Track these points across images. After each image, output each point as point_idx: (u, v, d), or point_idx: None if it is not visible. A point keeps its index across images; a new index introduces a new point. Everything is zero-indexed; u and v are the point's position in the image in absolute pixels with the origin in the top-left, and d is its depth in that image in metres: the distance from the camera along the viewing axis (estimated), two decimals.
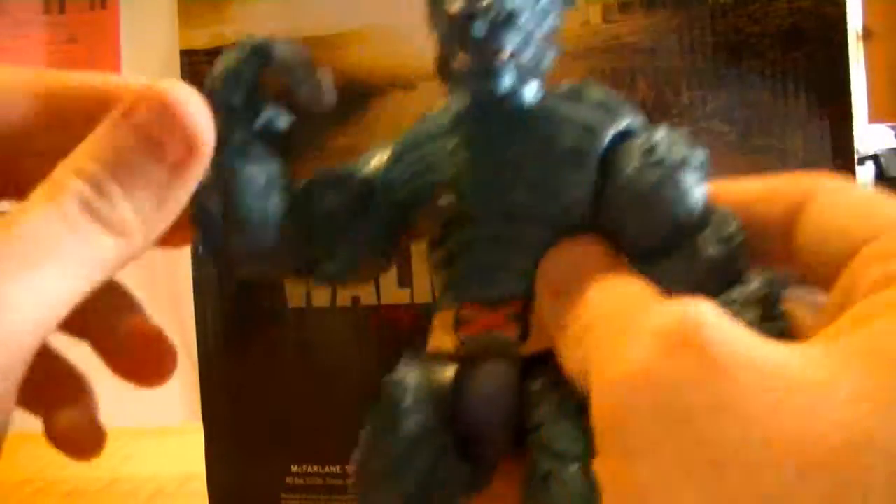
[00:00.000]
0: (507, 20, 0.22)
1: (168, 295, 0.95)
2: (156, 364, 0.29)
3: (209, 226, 0.23)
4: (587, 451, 0.20)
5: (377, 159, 0.26)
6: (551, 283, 0.22)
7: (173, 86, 0.21)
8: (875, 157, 2.11)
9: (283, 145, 0.24)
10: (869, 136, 2.12)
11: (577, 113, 0.23)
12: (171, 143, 0.21)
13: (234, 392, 0.49)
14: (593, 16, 0.46)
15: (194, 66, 0.57)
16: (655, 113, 0.44)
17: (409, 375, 0.24)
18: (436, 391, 0.23)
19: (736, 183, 0.24)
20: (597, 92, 0.24)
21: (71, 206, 0.20)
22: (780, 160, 0.42)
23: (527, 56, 0.23)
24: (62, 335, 0.26)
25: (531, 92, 0.24)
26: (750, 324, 0.18)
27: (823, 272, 0.21)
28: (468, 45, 0.22)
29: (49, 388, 0.28)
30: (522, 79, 0.23)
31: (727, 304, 0.20)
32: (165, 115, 0.21)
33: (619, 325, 0.19)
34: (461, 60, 0.22)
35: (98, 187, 0.20)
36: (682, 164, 0.23)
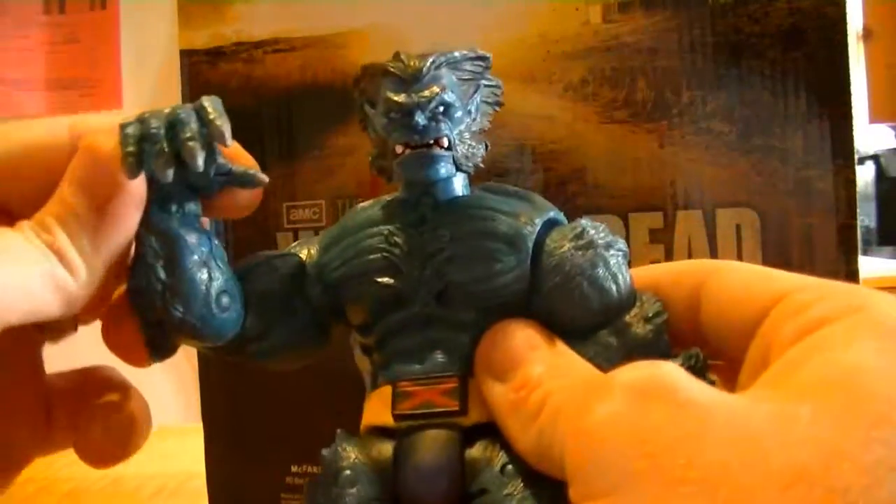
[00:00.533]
0: (445, 112, 0.24)
1: None
2: (122, 449, 0.31)
3: (149, 292, 0.23)
4: None
5: (307, 249, 0.27)
6: (492, 367, 0.23)
7: (94, 137, 0.23)
8: (875, 157, 2.12)
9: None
10: (869, 136, 2.12)
11: (507, 204, 0.25)
12: (101, 191, 0.23)
13: (233, 392, 0.49)
14: (593, 16, 0.46)
15: (194, 66, 0.57)
16: (655, 113, 0.44)
17: (347, 450, 0.24)
18: (375, 465, 0.23)
19: (643, 269, 0.26)
20: (519, 189, 0.26)
21: (27, 231, 0.22)
22: (780, 160, 0.42)
23: (460, 148, 0.24)
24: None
25: (461, 183, 0.25)
26: None
27: (732, 345, 0.23)
28: (410, 133, 0.24)
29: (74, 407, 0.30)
30: (456, 169, 0.25)
31: None
32: (93, 166, 0.23)
33: (583, 391, 0.20)
34: (401, 149, 0.24)
35: (46, 228, 0.23)
36: (610, 245, 0.24)
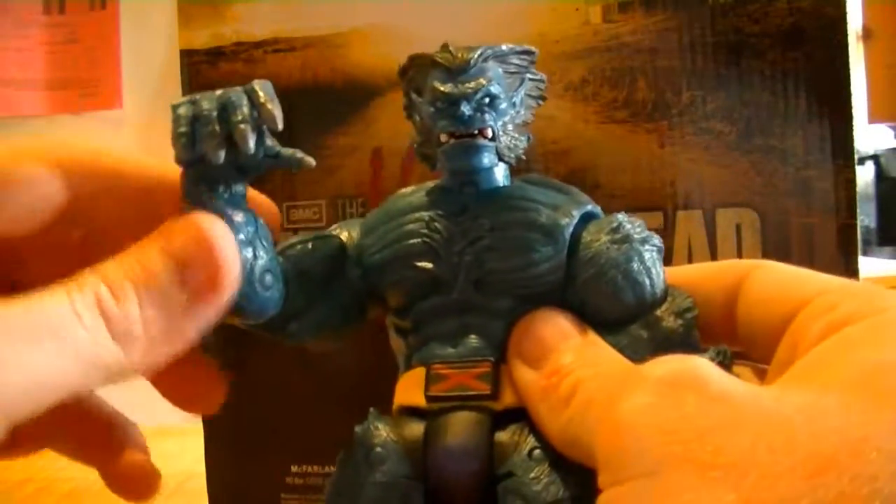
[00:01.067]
0: (490, 104, 0.25)
1: None
2: (142, 491, 0.31)
3: None
4: (560, 497, 0.22)
5: (348, 231, 0.27)
6: (525, 353, 0.24)
7: (212, 222, 0.22)
8: (875, 157, 2.11)
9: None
10: (869, 136, 2.12)
11: (546, 195, 0.26)
12: (197, 276, 0.21)
13: (233, 392, 0.49)
14: (593, 16, 0.46)
15: (194, 66, 0.57)
16: (655, 113, 0.44)
17: (379, 428, 0.25)
18: (406, 444, 0.24)
19: (680, 268, 0.27)
20: (558, 182, 0.27)
21: (84, 298, 0.20)
22: (780, 160, 0.42)
23: (504, 139, 0.25)
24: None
25: (502, 174, 0.26)
26: None
27: (762, 342, 0.23)
28: (455, 123, 0.24)
29: (96, 439, 0.30)
30: (499, 159, 0.26)
31: None
32: (199, 249, 0.22)
33: (616, 381, 0.21)
34: (446, 138, 0.25)
35: (115, 291, 0.20)
36: (645, 241, 0.25)
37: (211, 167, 0.23)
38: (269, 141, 0.23)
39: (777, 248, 0.42)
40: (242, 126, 0.22)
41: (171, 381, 0.29)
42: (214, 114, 0.22)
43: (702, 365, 0.19)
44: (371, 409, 0.26)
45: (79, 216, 0.25)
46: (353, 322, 0.27)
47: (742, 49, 0.43)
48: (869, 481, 0.15)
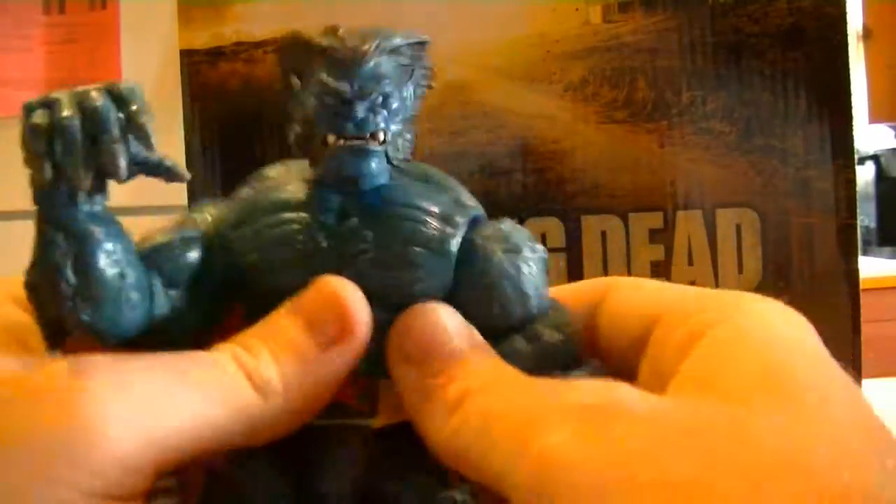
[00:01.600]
0: (383, 103, 0.22)
1: None
2: None
3: (55, 294, 0.21)
4: None
5: (206, 215, 0.24)
6: (406, 350, 0.22)
7: (341, 282, 0.22)
8: (875, 157, 2.12)
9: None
10: (869, 136, 2.12)
11: (430, 199, 0.24)
12: (328, 326, 0.22)
13: None
14: (593, 16, 0.46)
15: (194, 66, 0.57)
16: (655, 113, 0.44)
17: (254, 452, 0.23)
18: (284, 462, 0.23)
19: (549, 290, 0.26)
20: (436, 173, 0.25)
21: (222, 356, 0.21)
22: (780, 160, 0.42)
23: (393, 142, 0.23)
24: None
25: (385, 175, 0.24)
26: None
27: (622, 356, 0.23)
28: (346, 126, 0.22)
29: None
30: (387, 161, 0.23)
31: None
32: (328, 302, 0.22)
33: (522, 409, 0.19)
34: (333, 138, 0.22)
35: (249, 349, 0.22)
36: (534, 251, 0.24)
37: (69, 181, 0.20)
38: (134, 147, 0.21)
39: (777, 248, 0.42)
40: (114, 147, 0.20)
41: None
42: (76, 125, 0.20)
43: (620, 387, 0.19)
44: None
45: None
46: (213, 324, 0.24)
47: (742, 49, 0.43)
48: (816, 477, 0.16)
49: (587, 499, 0.17)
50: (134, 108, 0.20)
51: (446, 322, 0.22)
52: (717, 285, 0.45)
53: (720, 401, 0.18)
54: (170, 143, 0.60)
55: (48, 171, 0.19)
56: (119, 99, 0.20)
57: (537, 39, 0.47)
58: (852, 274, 0.41)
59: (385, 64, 0.23)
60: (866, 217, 1.97)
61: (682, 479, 0.16)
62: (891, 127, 2.00)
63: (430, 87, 0.25)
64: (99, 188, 0.21)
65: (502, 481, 0.19)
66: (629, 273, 0.44)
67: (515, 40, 0.48)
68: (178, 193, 0.59)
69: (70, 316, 0.21)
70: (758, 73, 0.43)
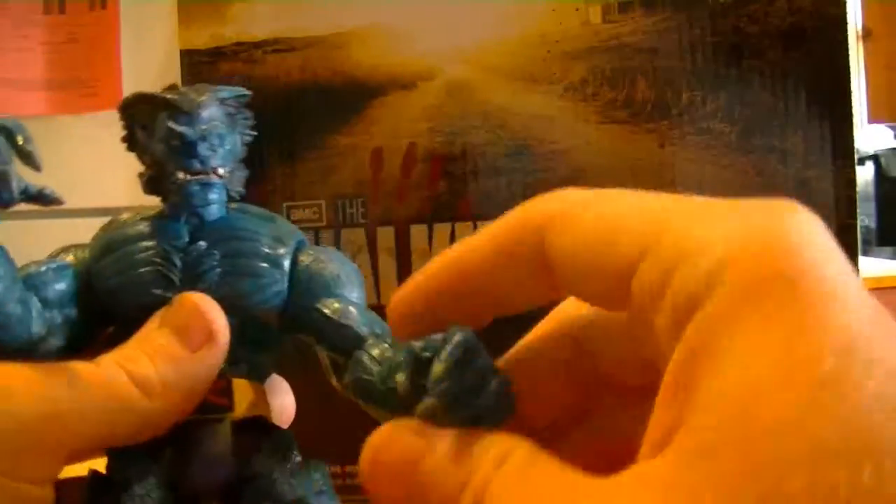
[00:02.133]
0: (220, 143, 0.27)
1: None
2: None
3: None
4: (302, 495, 0.26)
5: (75, 255, 0.28)
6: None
7: (200, 296, 0.26)
8: (875, 157, 2.12)
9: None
10: (869, 136, 2.12)
11: (262, 226, 0.28)
12: (195, 332, 0.26)
13: None
14: (593, 16, 0.46)
15: (194, 66, 0.57)
16: (655, 113, 0.44)
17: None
18: (157, 458, 0.26)
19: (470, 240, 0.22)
20: (261, 210, 0.30)
21: (106, 362, 0.25)
22: (780, 160, 0.42)
23: (229, 176, 0.28)
24: None
25: (219, 207, 0.28)
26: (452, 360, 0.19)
27: (586, 288, 0.19)
28: (192, 163, 0.27)
29: None
30: (224, 193, 0.28)
31: (431, 346, 0.21)
32: (192, 313, 0.26)
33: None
34: (182, 175, 0.27)
35: (128, 356, 0.25)
36: (346, 268, 0.29)
37: None
38: (18, 180, 0.23)
39: None
40: (4, 168, 0.22)
41: None
42: None
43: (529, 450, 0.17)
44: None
45: None
46: (79, 347, 0.28)
47: (742, 49, 0.43)
48: None
49: None
50: (19, 137, 0.23)
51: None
52: None
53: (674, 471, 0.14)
54: None
55: None
56: (7, 132, 0.23)
57: (537, 39, 0.47)
58: None
59: (216, 111, 0.28)
60: (866, 217, 1.97)
61: None
62: (891, 127, 2.00)
63: (252, 136, 0.30)
64: None
65: None
66: None
67: (515, 40, 0.48)
68: None
69: None
70: (758, 73, 0.43)
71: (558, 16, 0.46)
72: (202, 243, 0.27)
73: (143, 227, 0.28)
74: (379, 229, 0.52)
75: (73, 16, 0.80)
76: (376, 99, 0.51)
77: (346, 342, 0.27)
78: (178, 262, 0.27)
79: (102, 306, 0.28)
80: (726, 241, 0.15)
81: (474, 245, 0.21)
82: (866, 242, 1.97)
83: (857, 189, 0.42)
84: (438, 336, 0.20)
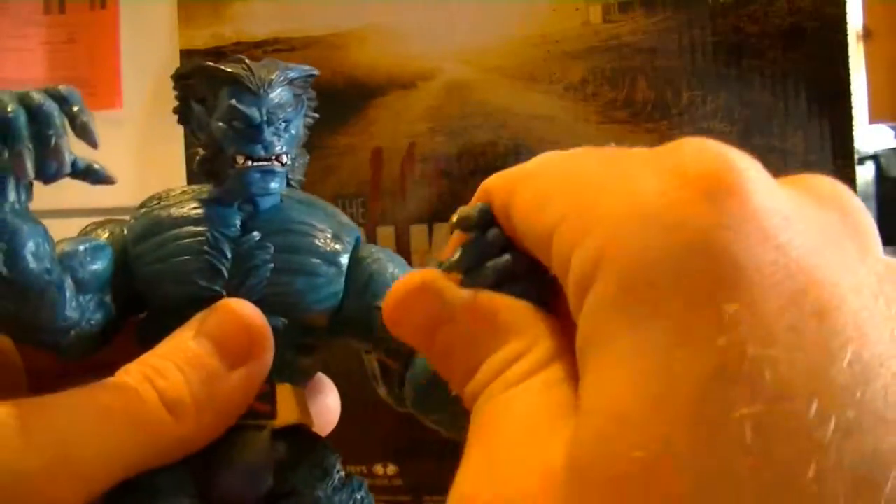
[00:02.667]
0: (286, 128, 0.25)
1: None
2: None
3: None
4: None
5: (111, 232, 0.26)
6: (412, 341, 0.20)
7: (243, 304, 0.23)
8: (875, 157, 2.11)
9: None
10: (869, 136, 2.12)
11: (319, 219, 0.26)
12: (235, 348, 0.23)
13: None
14: (593, 16, 0.46)
15: None
16: (655, 113, 0.44)
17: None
18: (190, 463, 0.23)
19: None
20: (320, 201, 0.27)
21: (136, 380, 0.22)
22: (780, 160, 0.42)
23: (291, 164, 0.26)
24: None
25: (278, 196, 0.26)
26: None
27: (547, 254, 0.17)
28: (256, 148, 0.24)
29: None
30: (286, 182, 0.26)
31: None
32: (234, 325, 0.23)
33: None
34: (242, 160, 0.24)
35: (160, 371, 0.22)
36: (403, 270, 0.26)
37: (2, 177, 0.21)
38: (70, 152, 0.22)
39: None
40: (59, 141, 0.21)
41: None
42: (22, 120, 0.21)
43: None
44: None
45: None
46: (115, 333, 0.26)
47: (742, 49, 0.43)
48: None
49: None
50: (76, 107, 0.21)
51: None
52: None
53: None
54: (170, 142, 0.60)
55: None
56: (60, 99, 0.21)
57: (537, 39, 0.47)
58: None
59: (286, 93, 0.25)
60: None
61: None
62: (891, 127, 2.00)
63: (315, 116, 0.27)
64: (24, 186, 0.22)
65: None
66: None
67: (515, 40, 0.48)
68: None
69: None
70: (758, 73, 0.43)
71: (558, 16, 0.46)
72: (256, 234, 0.25)
73: (191, 209, 0.25)
74: (379, 229, 0.52)
75: (73, 16, 0.80)
76: (376, 99, 0.51)
77: (403, 346, 0.24)
78: (229, 253, 0.24)
79: (138, 292, 0.25)
80: (611, 217, 0.14)
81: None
82: None
83: (858, 189, 0.42)
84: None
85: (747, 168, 0.14)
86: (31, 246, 0.22)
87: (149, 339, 0.24)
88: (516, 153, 0.47)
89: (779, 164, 0.42)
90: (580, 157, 0.18)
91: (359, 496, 0.25)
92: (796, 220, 0.13)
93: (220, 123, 0.24)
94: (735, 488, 0.12)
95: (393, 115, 0.50)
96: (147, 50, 0.62)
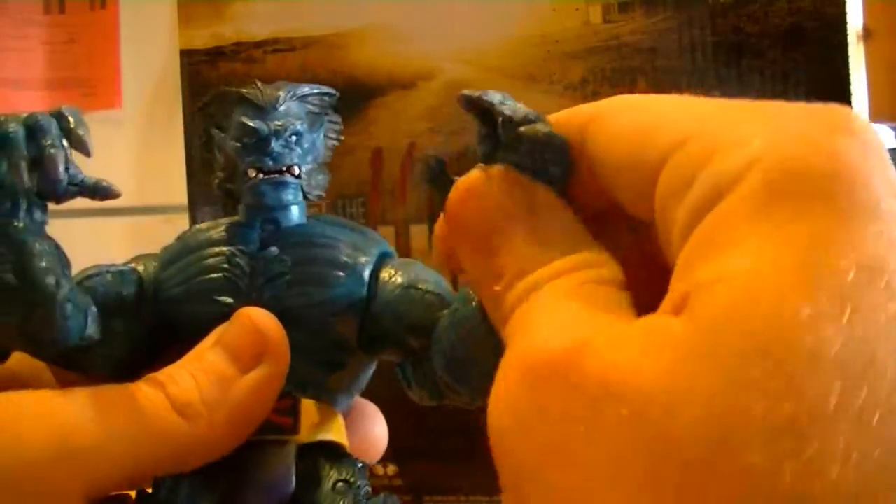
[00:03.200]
0: (297, 142, 0.25)
1: None
2: None
3: None
4: None
5: (145, 265, 0.27)
6: (470, 236, 0.19)
7: (258, 311, 0.24)
8: None
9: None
10: None
11: (344, 234, 0.26)
12: (247, 351, 0.23)
13: None
14: (593, 16, 0.46)
15: (194, 66, 0.57)
16: None
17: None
18: (209, 477, 0.23)
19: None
20: (352, 221, 0.27)
21: (146, 385, 0.22)
22: None
23: (307, 177, 0.26)
24: None
25: (299, 211, 0.26)
26: None
27: (620, 186, 0.18)
28: (265, 160, 0.25)
29: None
30: (301, 195, 0.26)
31: None
32: (247, 330, 0.23)
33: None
34: (254, 173, 0.25)
35: (172, 376, 0.23)
36: (428, 282, 0.26)
37: (13, 193, 0.22)
38: (73, 169, 0.23)
39: None
40: (52, 151, 0.22)
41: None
42: (21, 134, 0.22)
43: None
44: None
45: None
46: (143, 361, 0.26)
47: (742, 49, 0.43)
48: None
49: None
50: (71, 120, 0.22)
51: (502, 199, 0.19)
52: None
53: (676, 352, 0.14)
54: (170, 142, 0.60)
55: None
56: (59, 116, 0.22)
57: (537, 39, 0.47)
58: None
59: (295, 107, 0.26)
60: None
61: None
62: (891, 127, 2.00)
63: (340, 140, 0.28)
64: (37, 204, 0.23)
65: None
66: None
67: (515, 40, 0.48)
68: (178, 193, 0.59)
69: (6, 316, 0.22)
70: (758, 73, 0.43)
71: (558, 16, 0.46)
72: (273, 249, 0.25)
73: (215, 233, 0.26)
74: (379, 229, 0.52)
75: (73, 16, 0.80)
76: (376, 99, 0.51)
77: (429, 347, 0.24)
78: (247, 268, 0.25)
79: (168, 319, 0.26)
80: (763, 137, 0.14)
81: None
82: None
83: None
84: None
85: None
86: (40, 260, 0.23)
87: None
88: None
89: None
90: (672, 97, 0.18)
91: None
92: None
93: (233, 141, 0.25)
94: (880, 373, 0.12)
95: (393, 115, 0.50)
96: (147, 50, 0.62)
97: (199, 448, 0.22)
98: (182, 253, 0.26)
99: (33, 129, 0.22)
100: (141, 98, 0.61)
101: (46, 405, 0.21)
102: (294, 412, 0.24)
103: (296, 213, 0.26)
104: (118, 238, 0.59)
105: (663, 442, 0.13)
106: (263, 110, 0.25)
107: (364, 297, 0.25)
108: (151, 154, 0.56)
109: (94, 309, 0.24)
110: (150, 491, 0.23)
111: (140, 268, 0.26)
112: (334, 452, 0.25)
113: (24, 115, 0.22)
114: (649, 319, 0.15)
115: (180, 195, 0.58)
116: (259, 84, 0.26)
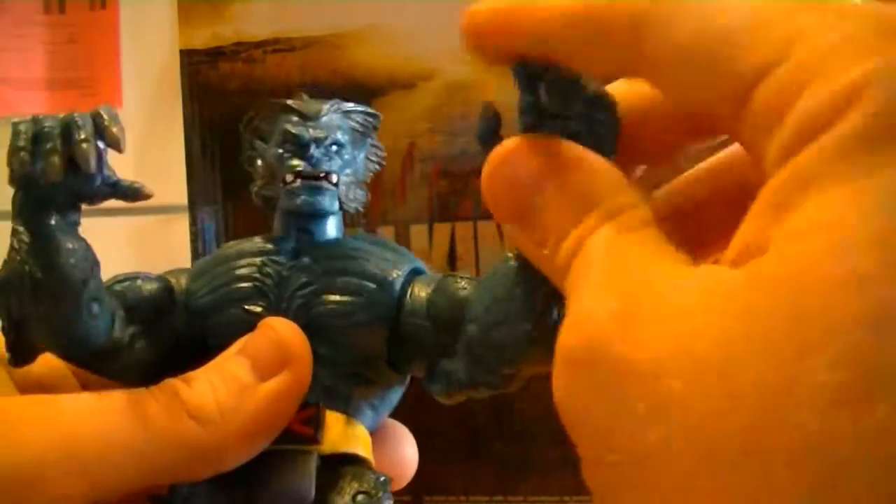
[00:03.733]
0: (337, 151, 0.26)
1: None
2: None
3: (19, 285, 0.23)
4: None
5: (176, 278, 0.27)
6: (507, 207, 0.18)
7: (281, 321, 0.23)
8: None
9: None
10: None
11: (377, 248, 0.26)
12: (267, 359, 0.23)
13: None
14: None
15: (194, 66, 0.57)
16: None
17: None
18: (229, 486, 0.23)
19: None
20: (389, 241, 0.28)
21: (160, 389, 0.22)
22: None
23: (345, 187, 0.26)
24: None
25: (335, 226, 0.26)
26: None
27: (692, 102, 0.16)
28: (304, 164, 0.25)
29: None
30: (338, 205, 0.26)
31: None
32: (269, 338, 0.23)
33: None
34: (291, 178, 0.25)
35: (188, 381, 0.22)
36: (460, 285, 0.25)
37: (47, 189, 0.22)
38: (107, 170, 0.23)
39: None
40: (85, 146, 0.22)
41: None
42: (57, 131, 0.22)
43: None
44: None
45: None
46: (170, 368, 0.26)
47: None
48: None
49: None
50: (107, 118, 0.23)
51: (542, 168, 0.18)
52: None
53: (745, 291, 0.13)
54: (170, 142, 0.60)
55: (25, 163, 0.22)
56: (96, 115, 0.23)
57: None
58: None
59: (338, 119, 0.26)
60: None
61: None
62: None
63: (381, 164, 0.28)
64: (70, 204, 0.23)
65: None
66: None
67: None
68: (178, 193, 0.59)
69: (31, 307, 0.23)
70: None
71: None
72: (305, 259, 0.25)
73: (249, 245, 0.26)
74: (379, 229, 0.52)
75: (73, 16, 0.80)
76: (376, 99, 0.51)
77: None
78: (277, 278, 0.25)
79: (198, 329, 0.26)
80: (873, 57, 0.12)
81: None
82: None
83: None
84: None
85: None
86: (69, 258, 0.23)
87: None
88: None
89: None
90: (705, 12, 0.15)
91: None
92: None
93: (275, 148, 0.26)
94: None
95: (393, 115, 0.50)
96: (147, 50, 0.62)
97: (212, 454, 0.22)
98: (214, 264, 0.26)
99: (69, 127, 0.22)
100: (141, 98, 0.62)
101: (52, 409, 0.21)
102: (316, 422, 0.24)
103: (331, 226, 0.26)
104: (118, 238, 0.59)
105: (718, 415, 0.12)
106: (307, 118, 0.26)
107: (393, 309, 0.25)
108: (151, 154, 0.56)
109: (121, 312, 0.24)
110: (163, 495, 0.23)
111: (172, 279, 0.26)
112: (356, 464, 0.25)
113: (64, 114, 0.23)
114: (704, 273, 0.14)
115: (180, 195, 0.58)
116: (304, 95, 0.26)
